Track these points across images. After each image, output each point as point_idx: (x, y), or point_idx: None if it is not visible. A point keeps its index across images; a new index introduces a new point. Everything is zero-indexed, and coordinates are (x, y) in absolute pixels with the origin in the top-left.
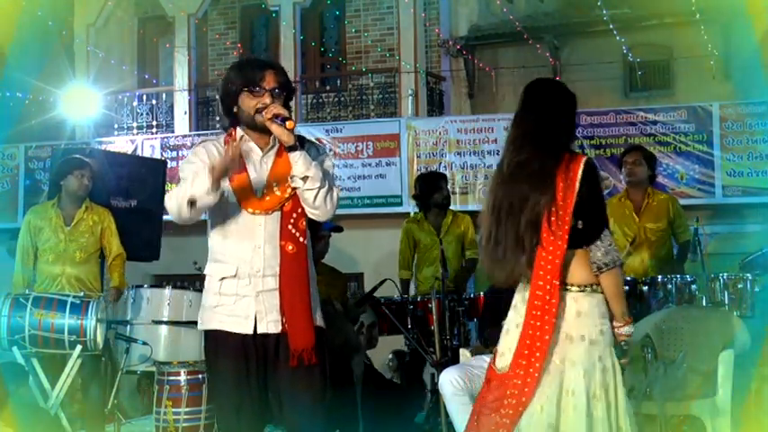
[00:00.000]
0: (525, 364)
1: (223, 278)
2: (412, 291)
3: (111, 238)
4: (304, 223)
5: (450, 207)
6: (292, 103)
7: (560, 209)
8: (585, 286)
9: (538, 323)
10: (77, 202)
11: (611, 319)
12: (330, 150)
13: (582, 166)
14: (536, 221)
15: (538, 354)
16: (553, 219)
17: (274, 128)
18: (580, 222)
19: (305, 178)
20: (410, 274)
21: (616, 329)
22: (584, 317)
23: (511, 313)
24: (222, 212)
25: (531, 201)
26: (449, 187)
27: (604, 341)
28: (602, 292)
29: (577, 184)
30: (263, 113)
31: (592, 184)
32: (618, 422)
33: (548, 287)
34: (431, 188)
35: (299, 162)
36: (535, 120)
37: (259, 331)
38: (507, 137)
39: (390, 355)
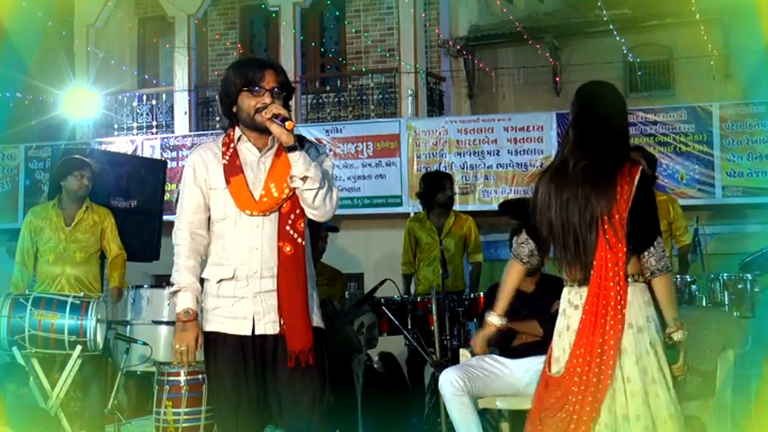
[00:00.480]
0: (598, 362)
1: (221, 280)
2: (412, 290)
3: (111, 238)
4: (303, 224)
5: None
6: (292, 103)
7: (621, 212)
8: (628, 276)
9: (612, 321)
10: (78, 203)
11: (660, 314)
12: (330, 151)
13: (639, 174)
14: (602, 223)
15: (611, 351)
16: (615, 220)
17: (274, 128)
18: (630, 227)
19: (304, 178)
20: (412, 269)
21: (668, 335)
22: (628, 305)
23: (560, 318)
24: (220, 215)
25: (599, 203)
26: None
27: (652, 327)
28: (645, 282)
29: (635, 190)
30: (263, 113)
31: (647, 193)
32: (670, 409)
33: (618, 287)
34: (434, 187)
35: (298, 162)
36: (599, 122)
37: (257, 332)
38: (568, 136)
39: (376, 358)
